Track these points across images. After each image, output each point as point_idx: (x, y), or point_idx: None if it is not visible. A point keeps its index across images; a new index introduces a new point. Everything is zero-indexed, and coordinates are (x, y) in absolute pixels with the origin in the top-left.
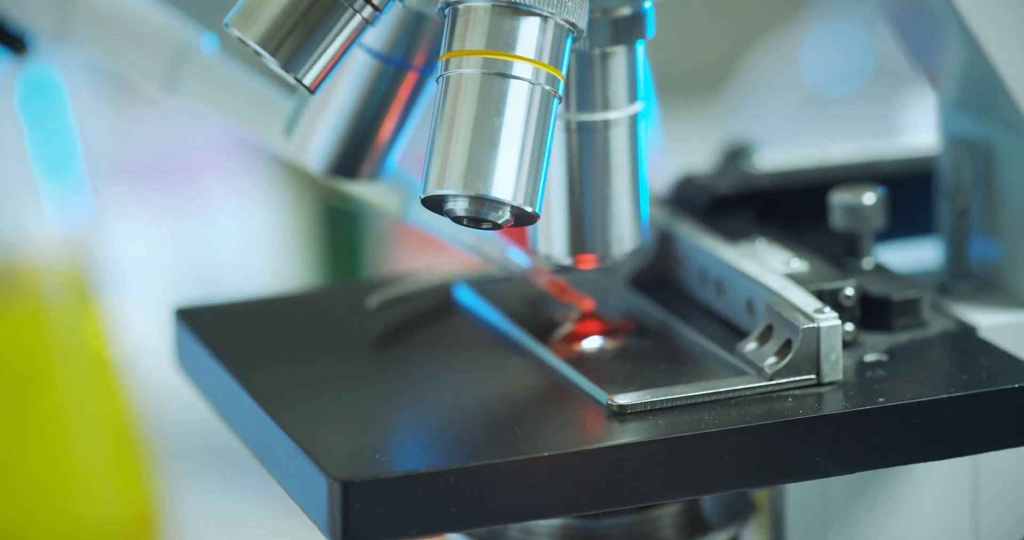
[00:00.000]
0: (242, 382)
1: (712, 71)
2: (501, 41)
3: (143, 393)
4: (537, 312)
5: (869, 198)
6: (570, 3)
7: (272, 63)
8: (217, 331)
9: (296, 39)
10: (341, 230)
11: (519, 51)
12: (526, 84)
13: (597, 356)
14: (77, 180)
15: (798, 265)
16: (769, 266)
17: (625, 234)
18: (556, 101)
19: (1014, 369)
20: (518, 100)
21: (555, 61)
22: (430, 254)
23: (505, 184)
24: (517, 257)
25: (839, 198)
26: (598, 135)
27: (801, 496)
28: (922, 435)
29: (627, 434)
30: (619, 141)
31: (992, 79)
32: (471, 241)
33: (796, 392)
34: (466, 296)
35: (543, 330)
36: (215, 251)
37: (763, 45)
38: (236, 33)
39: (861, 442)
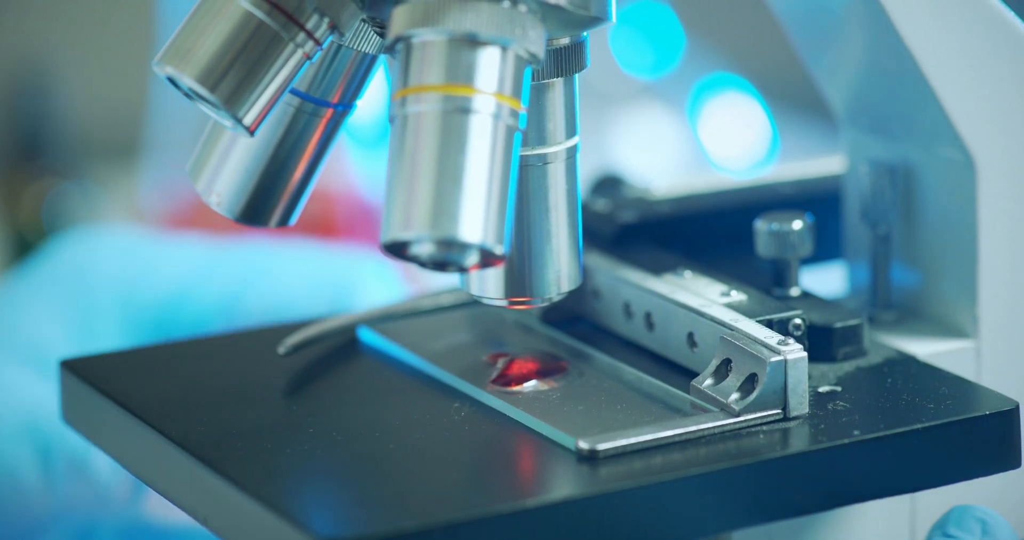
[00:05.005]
0: (172, 438)
1: None
2: (461, 74)
3: None
4: (455, 351)
5: (797, 225)
6: (531, 32)
7: (207, 104)
8: (119, 383)
9: (236, 75)
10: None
11: (480, 85)
12: (489, 119)
13: (543, 398)
14: None
15: (737, 296)
16: (708, 298)
17: (564, 273)
18: (519, 135)
19: (976, 395)
20: (482, 136)
21: (516, 93)
22: None
23: (474, 225)
24: None
25: (766, 225)
26: (536, 171)
27: (746, 535)
28: (901, 466)
29: (610, 480)
30: (557, 177)
31: (921, 96)
32: None
33: (765, 428)
34: (372, 338)
35: (470, 371)
36: None
37: None
38: (169, 70)
39: (841, 477)
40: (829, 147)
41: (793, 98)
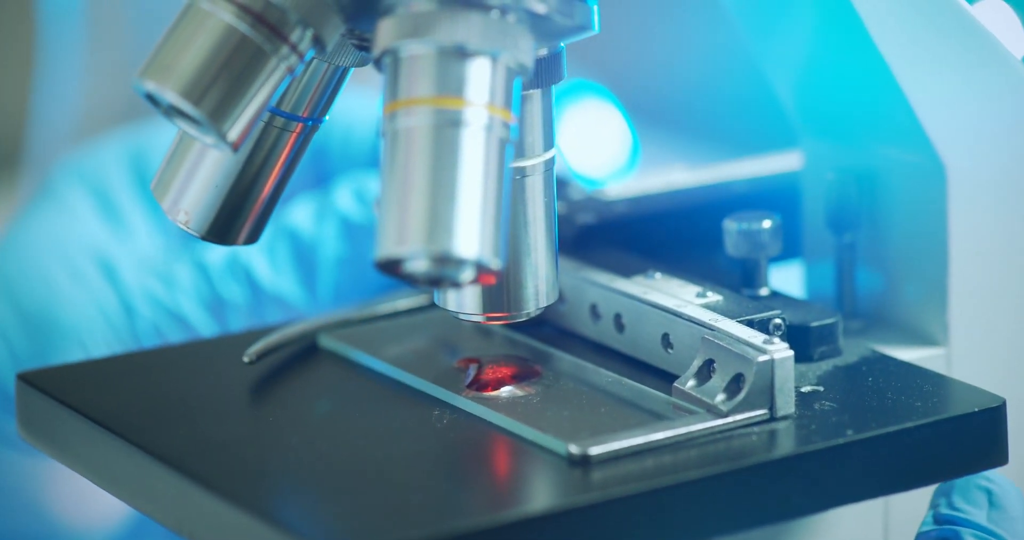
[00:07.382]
0: (151, 451)
1: None
2: (452, 86)
3: None
4: (421, 357)
5: (767, 224)
6: (521, 43)
7: (187, 120)
8: (84, 396)
9: (219, 90)
10: None
11: (471, 97)
12: (481, 131)
13: (522, 403)
14: None
15: (713, 296)
16: (683, 299)
17: (542, 288)
18: (510, 148)
19: (960, 393)
20: (474, 149)
21: (507, 105)
22: None
23: (469, 240)
24: None
25: (736, 225)
26: (515, 184)
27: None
28: (894, 465)
29: (609, 485)
30: (535, 190)
31: (891, 102)
32: None
33: (756, 429)
34: (333, 344)
35: (442, 377)
36: None
37: None
38: (151, 86)
39: (836, 477)
40: (689, 156)
41: (652, 106)
